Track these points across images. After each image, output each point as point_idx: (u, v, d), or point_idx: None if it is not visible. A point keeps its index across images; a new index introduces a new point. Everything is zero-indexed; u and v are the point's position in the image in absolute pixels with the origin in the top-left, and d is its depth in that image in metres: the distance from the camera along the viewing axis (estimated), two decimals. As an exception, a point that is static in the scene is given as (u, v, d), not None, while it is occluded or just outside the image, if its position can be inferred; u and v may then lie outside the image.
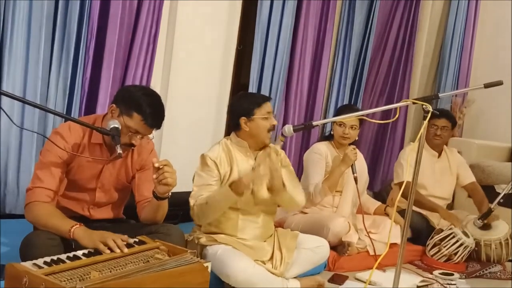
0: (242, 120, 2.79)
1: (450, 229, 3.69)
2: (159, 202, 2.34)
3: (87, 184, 2.47)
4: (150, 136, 2.46)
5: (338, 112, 3.59)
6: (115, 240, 2.09)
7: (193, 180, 2.82)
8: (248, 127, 2.80)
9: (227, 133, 4.24)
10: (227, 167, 2.77)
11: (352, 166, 3.38)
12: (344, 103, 4.92)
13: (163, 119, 2.42)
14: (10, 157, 3.23)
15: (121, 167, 2.51)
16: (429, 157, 4.03)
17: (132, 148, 2.44)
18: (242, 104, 2.83)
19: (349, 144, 3.52)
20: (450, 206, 4.48)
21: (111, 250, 2.06)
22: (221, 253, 2.65)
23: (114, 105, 2.37)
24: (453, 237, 3.63)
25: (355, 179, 3.36)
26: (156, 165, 2.20)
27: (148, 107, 2.33)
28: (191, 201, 2.67)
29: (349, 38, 4.89)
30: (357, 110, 3.87)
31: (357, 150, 3.46)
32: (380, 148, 5.41)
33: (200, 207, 2.63)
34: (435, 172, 4.06)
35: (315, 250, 2.92)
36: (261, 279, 2.63)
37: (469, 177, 4.15)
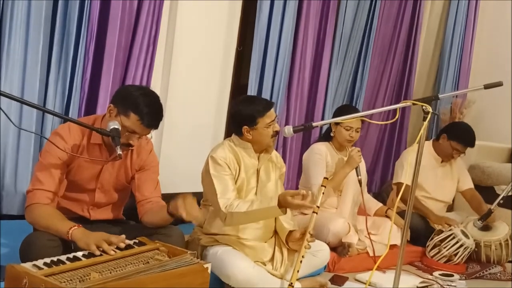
0: (245, 129, 2.76)
1: (450, 230, 3.69)
2: (169, 217, 2.34)
3: (87, 185, 2.47)
4: (148, 136, 2.45)
5: (338, 113, 3.57)
6: (110, 241, 2.08)
7: (202, 182, 2.80)
8: (250, 135, 2.77)
9: (227, 134, 4.24)
10: (236, 167, 2.76)
11: (356, 168, 3.37)
12: (344, 104, 4.92)
13: (160, 119, 2.41)
14: (8, 157, 3.22)
15: (120, 168, 2.51)
16: (432, 161, 4.03)
17: (131, 148, 2.44)
18: (244, 111, 2.76)
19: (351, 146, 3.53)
20: (450, 207, 4.49)
21: (105, 253, 2.06)
22: (221, 253, 2.65)
23: (112, 104, 2.37)
24: (453, 238, 3.63)
25: (359, 182, 3.35)
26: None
27: (145, 107, 2.32)
28: (221, 204, 2.62)
29: (350, 39, 4.89)
30: (357, 110, 3.87)
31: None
32: (387, 148, 5.43)
33: (237, 215, 2.59)
34: (437, 176, 4.05)
35: (315, 253, 2.91)
36: (261, 280, 2.63)
37: (467, 183, 4.14)
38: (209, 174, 2.69)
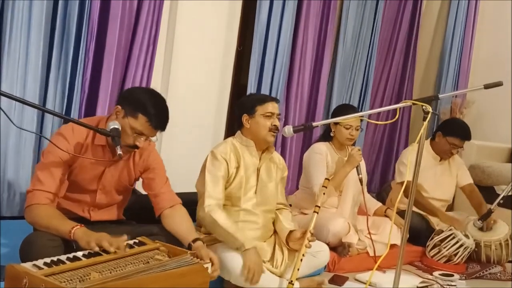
0: (244, 117, 2.84)
1: (450, 230, 3.68)
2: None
3: (88, 186, 2.46)
4: (154, 138, 2.45)
5: (336, 113, 3.57)
6: (111, 243, 2.09)
7: (199, 176, 2.81)
8: (249, 124, 2.83)
9: (227, 134, 4.24)
10: (235, 165, 2.79)
11: (356, 167, 3.37)
12: (343, 104, 4.91)
13: (167, 121, 2.43)
14: (8, 157, 3.22)
15: (123, 169, 2.51)
16: (431, 160, 4.03)
17: (135, 150, 2.44)
18: (247, 101, 2.89)
19: (352, 145, 3.52)
20: (450, 207, 4.48)
21: (106, 252, 2.06)
22: (221, 250, 2.66)
23: (119, 106, 2.37)
24: (453, 238, 3.63)
25: (360, 180, 3.35)
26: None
27: (153, 109, 2.34)
28: (206, 203, 2.67)
29: (358, 38, 4.89)
30: (355, 109, 3.87)
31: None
32: (387, 149, 5.42)
33: (212, 221, 2.65)
34: (436, 175, 4.05)
35: (315, 254, 2.91)
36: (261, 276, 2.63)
37: (467, 179, 4.14)
38: (205, 168, 2.74)
